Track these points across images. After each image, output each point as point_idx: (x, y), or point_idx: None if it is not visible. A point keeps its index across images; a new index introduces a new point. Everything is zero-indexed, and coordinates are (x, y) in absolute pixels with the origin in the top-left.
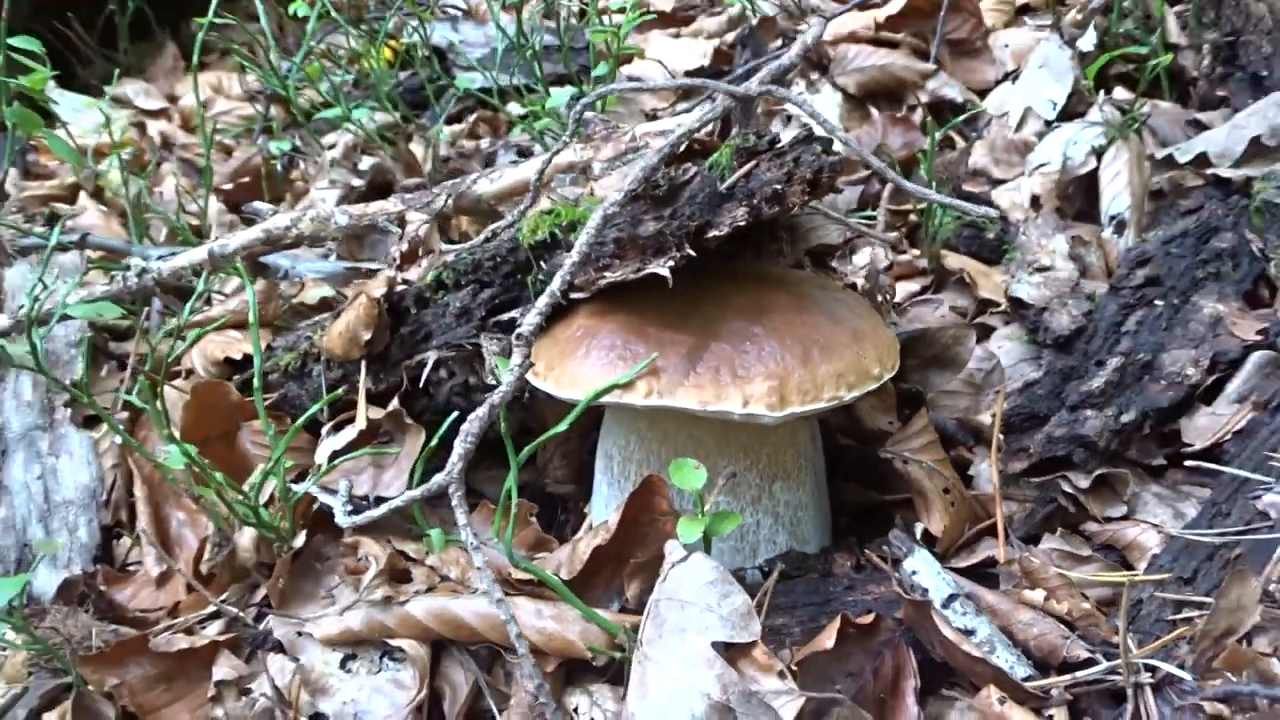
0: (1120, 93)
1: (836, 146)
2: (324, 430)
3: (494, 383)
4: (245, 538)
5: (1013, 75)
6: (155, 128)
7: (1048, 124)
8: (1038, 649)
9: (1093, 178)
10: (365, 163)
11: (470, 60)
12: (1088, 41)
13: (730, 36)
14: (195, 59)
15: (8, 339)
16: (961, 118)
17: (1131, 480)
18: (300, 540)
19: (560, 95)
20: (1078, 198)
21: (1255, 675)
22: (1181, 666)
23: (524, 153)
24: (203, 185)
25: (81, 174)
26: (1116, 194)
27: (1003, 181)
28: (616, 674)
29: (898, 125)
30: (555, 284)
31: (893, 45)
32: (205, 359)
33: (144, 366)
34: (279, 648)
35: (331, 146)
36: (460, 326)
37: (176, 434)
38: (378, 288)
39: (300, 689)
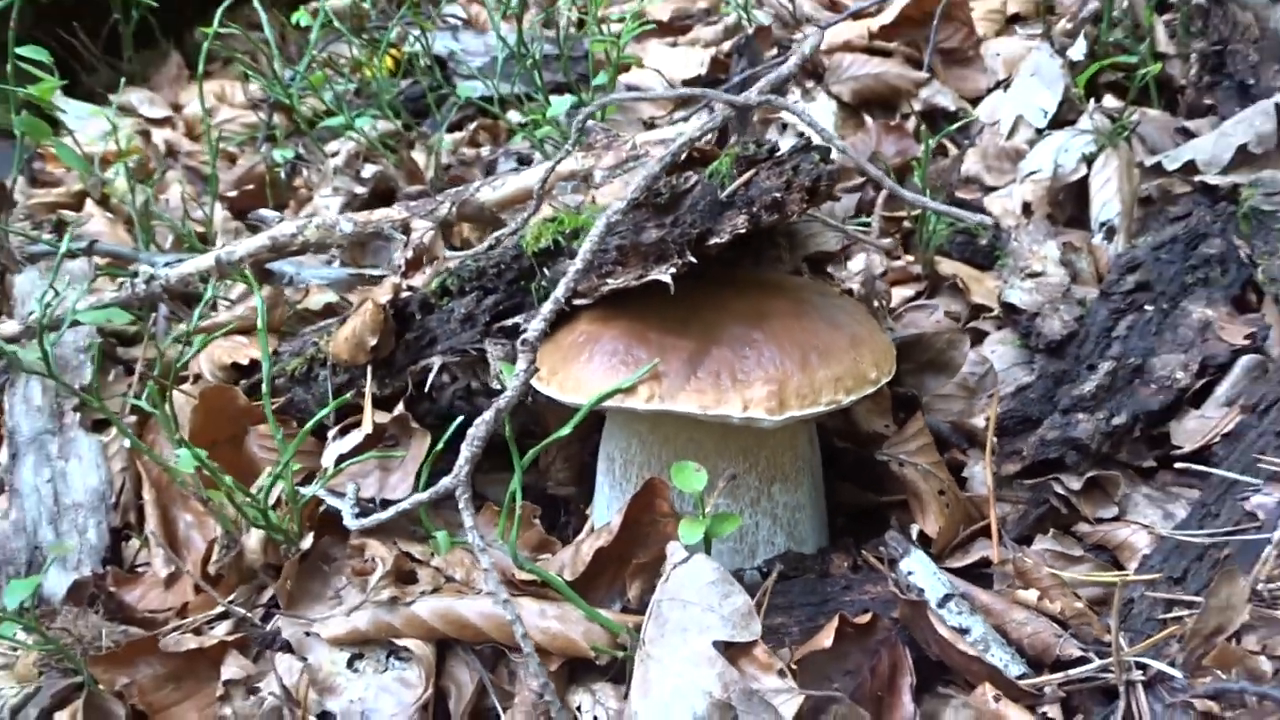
0: (1110, 101)
1: (834, 155)
2: (330, 434)
3: (498, 387)
4: (253, 539)
5: (1004, 83)
6: (160, 135)
7: (1039, 132)
8: (1031, 647)
9: (1083, 185)
10: (368, 170)
11: (471, 69)
12: (1078, 50)
13: (727, 45)
14: (200, 68)
15: (18, 344)
16: (955, 126)
17: (1122, 482)
18: (308, 542)
19: (560, 104)
20: (1068, 204)
21: (1244, 673)
22: (1172, 664)
23: (524, 160)
24: (207, 192)
25: (88, 181)
26: (1106, 201)
27: (995, 188)
28: (619, 673)
29: (891, 133)
30: (560, 291)
31: (886, 54)
32: (213, 364)
33: (152, 371)
34: (287, 647)
35: (334, 154)
36: (465, 332)
37: (185, 438)
38: (384, 294)
39: (308, 688)
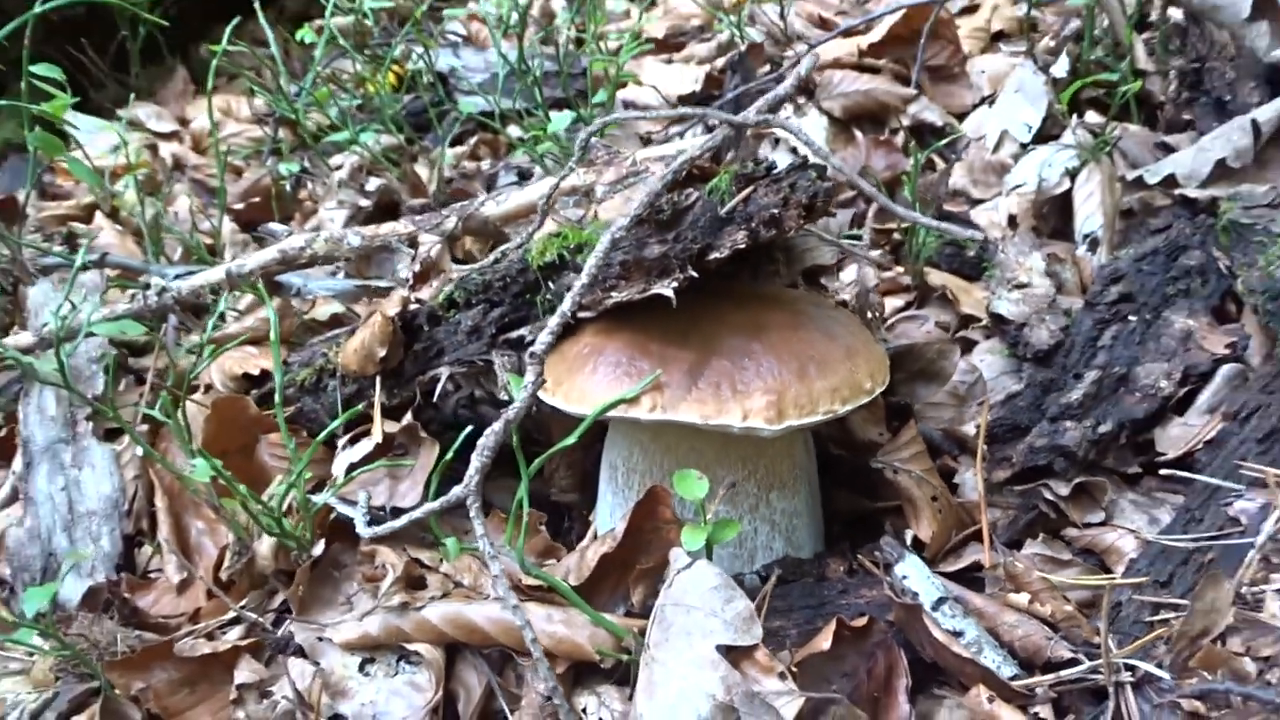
0: (1092, 116)
1: (829, 171)
2: (340, 443)
3: (505, 398)
4: (264, 546)
5: (989, 99)
6: (167, 149)
7: (1023, 146)
8: (1023, 649)
9: (1067, 198)
10: (372, 183)
11: (471, 84)
12: (1060, 68)
13: (720, 62)
14: (210, 84)
15: (32, 355)
16: (943, 141)
17: (1109, 488)
18: (319, 549)
19: (560, 119)
20: (1052, 217)
21: (1229, 674)
22: (1160, 666)
23: (524, 174)
24: (213, 205)
25: (99, 195)
26: (1090, 213)
27: (981, 201)
28: (623, 676)
29: (881, 147)
30: (566, 304)
31: (875, 71)
32: (224, 374)
33: (164, 381)
34: (299, 652)
35: (339, 168)
36: (471, 344)
37: (199, 447)
38: (392, 306)
39: (320, 691)
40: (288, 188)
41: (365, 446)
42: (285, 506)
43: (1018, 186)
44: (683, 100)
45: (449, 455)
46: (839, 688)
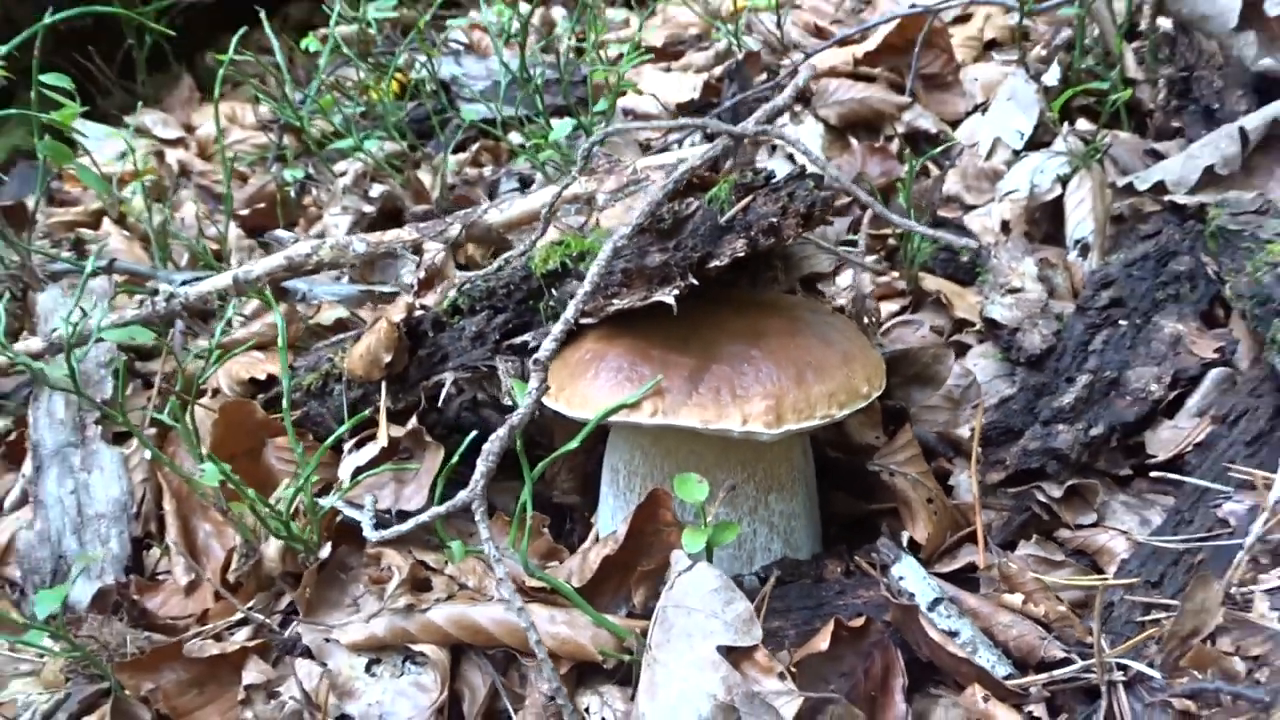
0: (1083, 124)
1: (826, 180)
2: (346, 447)
3: (508, 402)
4: (271, 548)
5: (982, 107)
6: (173, 156)
7: (1015, 153)
8: (1017, 649)
9: (1058, 204)
10: (375, 189)
11: (473, 92)
12: (1052, 76)
13: (718, 70)
14: (217, 92)
15: (42, 360)
16: (938, 150)
17: (1101, 490)
18: (326, 551)
19: (562, 127)
20: (1044, 222)
21: (1219, 673)
22: (1151, 665)
23: (525, 180)
24: (219, 210)
25: (107, 201)
26: (1081, 219)
27: (974, 207)
28: (625, 676)
29: (876, 154)
30: (569, 312)
31: (870, 79)
32: (231, 379)
33: (171, 386)
34: (307, 653)
35: (343, 174)
36: (475, 349)
37: (204, 451)
38: (397, 313)
39: (328, 692)
40: (292, 194)
41: (371, 450)
42: (293, 509)
43: (1010, 193)
44: (681, 108)
45: (454, 460)
46: (837, 687)
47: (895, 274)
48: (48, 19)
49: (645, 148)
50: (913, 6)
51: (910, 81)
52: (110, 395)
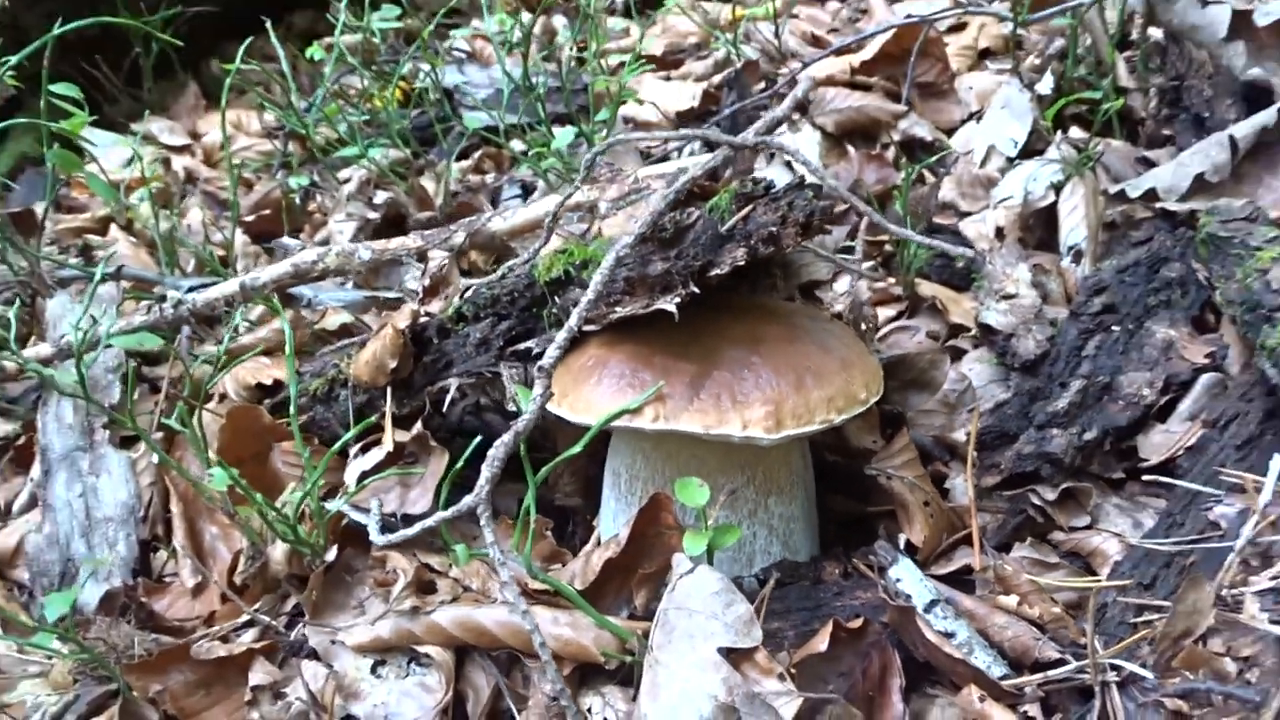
0: (1076, 132)
1: (824, 189)
2: (352, 452)
3: (512, 408)
4: (278, 551)
5: (977, 115)
6: (179, 163)
7: (1010, 161)
8: (1012, 650)
9: (1052, 210)
10: (379, 196)
11: (476, 100)
12: (1045, 85)
13: (717, 79)
14: (224, 100)
15: (51, 366)
16: (934, 158)
17: (1094, 493)
18: (332, 554)
19: (564, 135)
20: (1038, 229)
21: (1210, 673)
22: (1144, 666)
23: (527, 187)
24: (225, 217)
25: (115, 208)
26: (1074, 226)
27: (969, 214)
28: (627, 677)
29: (872, 162)
30: (573, 320)
31: (867, 88)
32: (238, 384)
33: (179, 390)
34: (313, 654)
35: (347, 181)
36: (480, 356)
37: (212, 455)
38: (403, 319)
39: (334, 693)
40: (297, 200)
41: (376, 455)
42: (299, 513)
43: (1004, 200)
44: (681, 116)
45: (459, 464)
46: (835, 687)
47: (891, 280)
48: (57, 29)
49: (645, 155)
50: (908, 16)
51: (906, 90)
52: (118, 400)
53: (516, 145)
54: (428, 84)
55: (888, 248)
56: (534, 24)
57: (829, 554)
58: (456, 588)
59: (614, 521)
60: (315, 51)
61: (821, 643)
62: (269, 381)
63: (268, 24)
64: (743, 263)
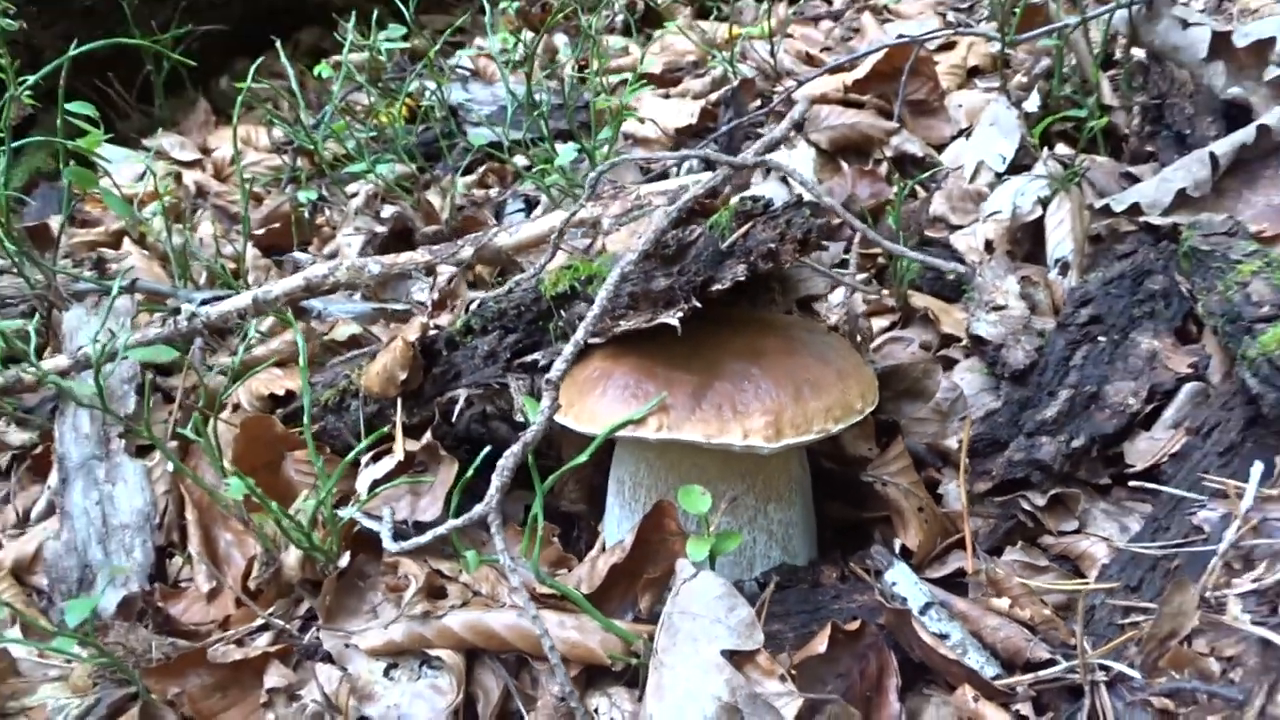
0: (1062, 149)
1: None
2: (364, 461)
3: (519, 418)
4: (291, 557)
5: (966, 132)
6: (190, 177)
7: (998, 176)
8: (1004, 650)
9: (1039, 224)
10: (386, 210)
11: (480, 117)
12: (1032, 103)
13: (714, 96)
14: (235, 117)
15: (67, 377)
16: (925, 174)
17: (1082, 498)
18: (345, 560)
19: (567, 152)
20: (1026, 242)
21: (1196, 673)
22: (1131, 665)
23: (530, 202)
24: (235, 230)
25: (128, 223)
26: (1060, 239)
27: (959, 227)
28: (632, 678)
29: (865, 177)
30: (579, 334)
31: (860, 106)
32: (251, 395)
33: (192, 400)
34: (327, 658)
35: (354, 195)
36: (487, 367)
37: (226, 464)
38: (412, 332)
39: (348, 695)
40: (306, 214)
41: (388, 464)
42: (313, 520)
43: (993, 213)
44: (679, 132)
45: (469, 474)
46: (834, 688)
47: (885, 291)
48: (73, 50)
49: (645, 171)
50: (900, 36)
51: (898, 107)
52: (134, 410)
53: (520, 161)
54: (433, 101)
55: (881, 260)
56: (537, 43)
57: (827, 558)
58: (466, 593)
59: (618, 527)
60: (323, 69)
61: (820, 644)
62: (281, 392)
63: (276, 42)
64: (743, 278)
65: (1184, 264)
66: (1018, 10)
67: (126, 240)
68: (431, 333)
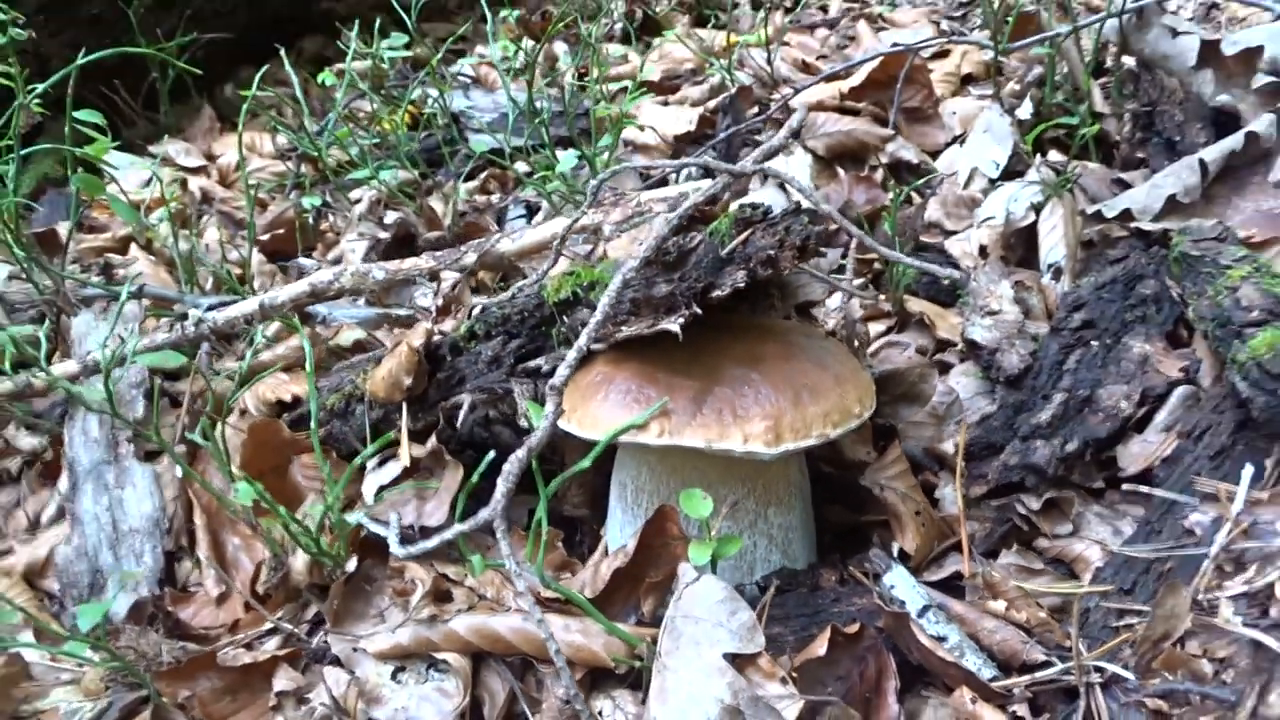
0: (1054, 155)
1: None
2: (370, 465)
3: (523, 423)
4: (299, 561)
5: (960, 139)
6: (196, 184)
7: (992, 182)
8: (1001, 652)
9: (1032, 230)
10: (389, 216)
11: (482, 123)
12: (1025, 110)
13: (712, 103)
14: (241, 124)
15: (77, 382)
16: (920, 181)
17: (1076, 502)
18: (352, 565)
19: (567, 159)
20: (1019, 247)
21: (1189, 674)
22: (1126, 667)
23: (531, 208)
24: (240, 236)
25: (135, 229)
26: (1053, 245)
27: (954, 233)
28: (636, 681)
29: (861, 183)
30: (582, 340)
31: (855, 113)
32: (258, 400)
33: (200, 405)
34: (335, 661)
35: (358, 201)
36: (491, 372)
37: (234, 468)
38: (417, 338)
39: (356, 698)
40: (310, 220)
41: (393, 469)
42: (320, 525)
43: (987, 219)
44: (678, 139)
45: (474, 479)
46: (834, 690)
47: (881, 296)
48: (81, 59)
49: (644, 177)
50: (895, 45)
51: (893, 115)
52: (143, 415)
53: (521, 167)
54: (435, 108)
55: (877, 265)
56: (538, 51)
57: (826, 562)
58: (472, 596)
59: (621, 531)
60: (326, 77)
61: (820, 647)
62: (288, 397)
63: (280, 50)
64: (742, 284)
65: (1175, 269)
66: (1010, 19)
67: (134, 246)
68: (436, 338)
